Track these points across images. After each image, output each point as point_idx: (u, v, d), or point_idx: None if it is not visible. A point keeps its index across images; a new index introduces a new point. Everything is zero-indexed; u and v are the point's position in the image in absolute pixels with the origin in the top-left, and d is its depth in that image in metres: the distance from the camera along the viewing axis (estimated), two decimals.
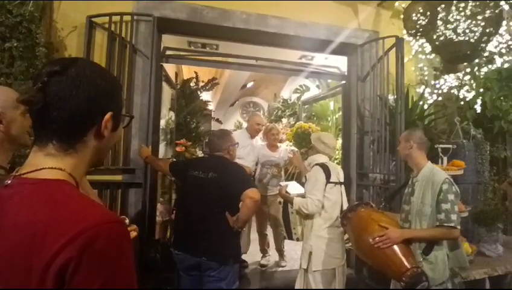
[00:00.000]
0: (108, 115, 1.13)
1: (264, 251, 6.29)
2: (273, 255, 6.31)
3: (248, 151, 5.79)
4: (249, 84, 12.61)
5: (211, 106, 10.73)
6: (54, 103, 1.05)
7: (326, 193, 3.98)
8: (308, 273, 3.92)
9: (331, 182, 4.03)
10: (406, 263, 3.00)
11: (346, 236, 4.00)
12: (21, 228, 0.93)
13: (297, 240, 4.16)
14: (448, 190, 3.15)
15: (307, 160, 4.36)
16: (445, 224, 3.07)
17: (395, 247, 3.08)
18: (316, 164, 4.09)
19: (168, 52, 5.25)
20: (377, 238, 3.12)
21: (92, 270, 0.88)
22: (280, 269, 6.08)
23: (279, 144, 6.53)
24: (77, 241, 0.87)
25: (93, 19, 4.25)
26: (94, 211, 0.98)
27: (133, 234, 3.05)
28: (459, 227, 3.09)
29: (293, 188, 4.39)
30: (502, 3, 4.59)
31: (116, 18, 4.34)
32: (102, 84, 1.14)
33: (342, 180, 4.21)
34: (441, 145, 4.64)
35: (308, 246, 3.93)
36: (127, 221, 3.18)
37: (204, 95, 8.53)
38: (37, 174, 1.05)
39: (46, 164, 1.06)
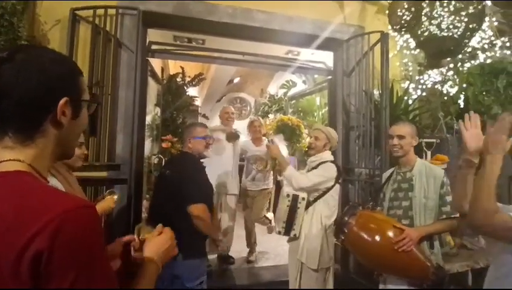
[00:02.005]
0: (62, 101, 1.08)
1: (251, 246, 6.29)
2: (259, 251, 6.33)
3: (224, 145, 5.84)
4: (236, 80, 12.59)
5: (198, 102, 10.69)
6: (3, 92, 1.02)
7: (335, 193, 4.06)
8: (316, 272, 3.93)
9: (339, 183, 4.12)
10: (427, 262, 2.98)
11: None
12: None
13: (295, 236, 4.04)
14: (447, 182, 3.25)
15: (312, 158, 4.26)
16: (452, 215, 3.11)
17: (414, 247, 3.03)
18: (331, 162, 4.10)
19: (154, 47, 5.22)
20: (400, 241, 3.00)
21: (65, 258, 0.88)
22: (267, 264, 6.10)
23: (263, 138, 6.54)
24: (46, 231, 0.86)
25: (77, 12, 4.19)
26: (59, 198, 0.98)
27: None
28: None
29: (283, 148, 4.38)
30: None
31: (100, 11, 4.28)
32: (55, 68, 1.09)
33: None
34: (425, 140, 4.68)
35: (316, 245, 3.92)
36: (115, 196, 3.22)
37: (191, 91, 8.50)
38: None
39: (4, 157, 1.04)
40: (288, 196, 4.07)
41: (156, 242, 1.49)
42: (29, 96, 1.04)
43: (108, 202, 3.21)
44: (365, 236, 3.16)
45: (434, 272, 2.93)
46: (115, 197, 3.35)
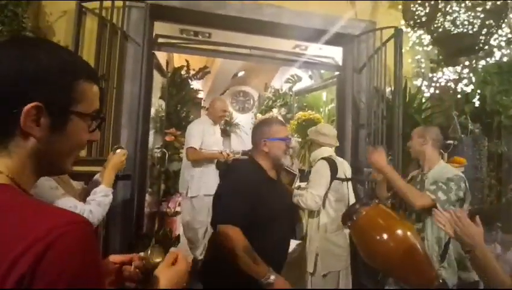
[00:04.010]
0: (30, 106, 0.88)
1: None
2: None
3: (214, 140, 5.58)
4: (240, 73, 12.48)
5: (201, 95, 10.60)
6: None
7: (333, 190, 3.80)
8: (313, 277, 3.78)
9: (338, 178, 3.83)
10: (433, 272, 2.70)
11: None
12: None
13: (301, 239, 3.99)
14: (462, 187, 3.10)
15: (311, 156, 4.17)
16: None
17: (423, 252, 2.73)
18: (322, 158, 3.88)
19: (160, 40, 5.10)
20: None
21: (49, 285, 0.73)
22: None
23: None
24: (30, 253, 0.73)
25: (83, 4, 4.04)
26: (46, 214, 0.83)
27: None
28: None
29: (285, 175, 4.25)
30: None
31: (107, 3, 4.13)
32: (35, 63, 0.91)
33: (349, 175, 4.07)
34: None
35: (314, 248, 3.77)
36: (123, 150, 2.82)
37: (195, 84, 8.43)
38: None
39: None
40: None
41: (171, 277, 1.24)
42: None
43: (119, 157, 2.81)
44: (372, 230, 2.85)
45: (438, 284, 2.66)
46: (124, 151, 2.88)
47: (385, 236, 2.73)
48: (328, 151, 4.03)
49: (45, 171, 1.02)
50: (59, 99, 0.95)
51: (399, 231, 2.74)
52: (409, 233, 2.74)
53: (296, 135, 7.68)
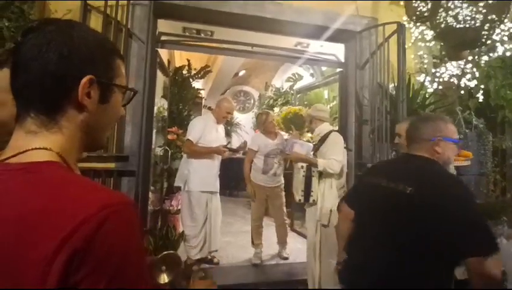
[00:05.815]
0: (85, 79, 0.94)
1: (259, 245, 6.03)
2: (266, 248, 6.15)
3: (215, 137, 5.55)
4: (241, 73, 12.50)
5: (203, 94, 10.62)
6: (24, 65, 0.92)
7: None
8: (327, 228, 4.40)
9: (345, 148, 4.77)
10: None
11: None
12: (9, 222, 0.80)
13: (314, 201, 4.55)
14: None
15: (315, 132, 4.88)
16: None
17: None
18: (334, 131, 4.80)
19: (163, 38, 5.12)
20: None
21: (101, 260, 0.77)
22: (282, 261, 6.00)
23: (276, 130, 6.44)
24: (83, 229, 0.76)
25: (88, 2, 4.06)
26: (96, 194, 0.86)
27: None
28: None
29: (300, 148, 4.81)
30: None
31: (111, 1, 4.13)
32: (84, 43, 0.97)
33: None
34: None
35: (328, 205, 4.40)
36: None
37: (196, 83, 8.44)
38: (21, 157, 0.90)
39: (30, 145, 0.92)
40: (302, 167, 4.61)
41: None
42: (50, 70, 0.92)
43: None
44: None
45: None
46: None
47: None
48: (330, 126, 4.89)
49: (88, 147, 1.06)
50: (105, 73, 1.01)
51: None
52: None
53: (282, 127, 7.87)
